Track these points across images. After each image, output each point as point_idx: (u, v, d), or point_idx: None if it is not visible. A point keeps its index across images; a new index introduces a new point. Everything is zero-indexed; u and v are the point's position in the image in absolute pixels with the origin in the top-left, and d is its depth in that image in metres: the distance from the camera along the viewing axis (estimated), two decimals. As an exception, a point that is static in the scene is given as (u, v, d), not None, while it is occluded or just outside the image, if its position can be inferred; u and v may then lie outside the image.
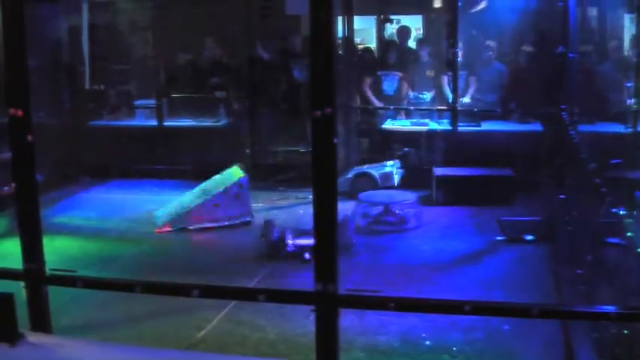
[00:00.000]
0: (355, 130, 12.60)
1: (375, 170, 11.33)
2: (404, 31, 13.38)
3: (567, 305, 6.04)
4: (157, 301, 6.54)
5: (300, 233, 8.49)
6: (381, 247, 8.86)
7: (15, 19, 4.03)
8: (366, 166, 11.50)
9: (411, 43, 13.57)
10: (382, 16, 14.07)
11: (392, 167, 11.39)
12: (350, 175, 11.19)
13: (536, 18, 11.51)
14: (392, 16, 14.91)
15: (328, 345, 3.79)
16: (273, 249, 8.46)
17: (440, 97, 12.21)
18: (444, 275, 7.85)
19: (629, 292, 4.85)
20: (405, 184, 11.38)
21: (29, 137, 4.10)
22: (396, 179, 11.34)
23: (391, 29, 14.85)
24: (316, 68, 3.62)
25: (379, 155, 12.02)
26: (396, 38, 13.57)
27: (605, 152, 8.88)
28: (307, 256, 8.05)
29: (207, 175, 10.66)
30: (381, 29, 14.80)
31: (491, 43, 12.05)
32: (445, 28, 12.16)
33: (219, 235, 9.55)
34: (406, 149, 12.12)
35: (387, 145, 12.31)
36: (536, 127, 11.27)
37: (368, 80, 12.48)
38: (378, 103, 12.51)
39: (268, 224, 8.70)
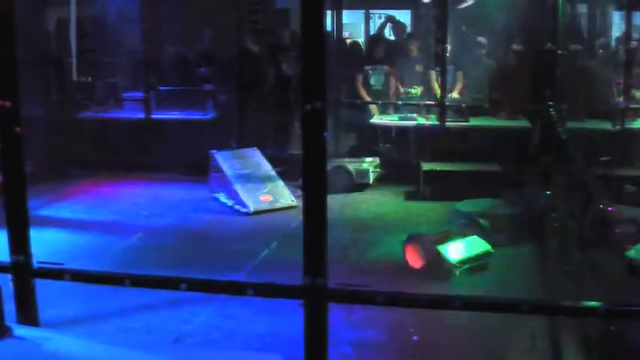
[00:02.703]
0: (343, 125, 12.57)
1: (352, 165, 11.32)
2: (399, 27, 13.38)
3: (555, 301, 6.06)
4: (146, 295, 6.57)
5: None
6: (369, 241, 8.85)
7: (4, 9, 4.00)
8: (345, 160, 11.46)
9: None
10: (386, 16, 14.01)
11: (369, 164, 11.37)
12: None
13: (526, 14, 11.51)
14: (381, 11, 14.90)
15: (317, 339, 3.80)
16: None
17: (428, 92, 12.19)
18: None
19: (616, 288, 4.88)
20: (391, 178, 11.40)
21: (17, 129, 4.08)
22: (372, 177, 11.32)
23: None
24: (307, 62, 3.61)
25: (363, 150, 12.02)
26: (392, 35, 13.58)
27: (593, 149, 8.93)
28: None
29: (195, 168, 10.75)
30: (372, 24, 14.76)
31: (481, 39, 12.04)
32: (434, 23, 12.16)
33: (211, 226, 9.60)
34: (387, 145, 12.10)
35: (373, 139, 12.31)
36: (524, 123, 11.27)
37: (360, 77, 12.43)
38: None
39: None
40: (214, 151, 10.88)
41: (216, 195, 10.64)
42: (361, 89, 12.35)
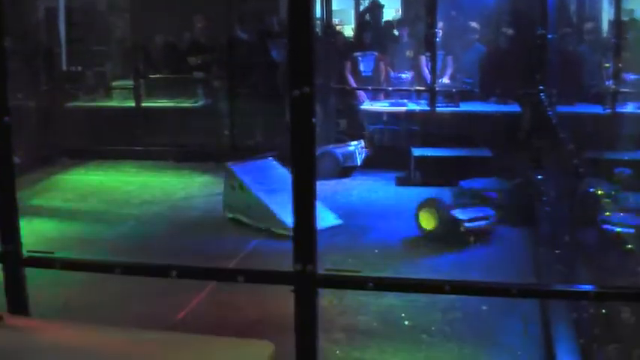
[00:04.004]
0: (333, 111, 12.55)
1: (338, 149, 11.30)
2: (376, 10, 13.35)
3: (546, 285, 6.07)
4: (136, 283, 6.55)
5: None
6: (361, 226, 8.85)
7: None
8: (331, 146, 11.44)
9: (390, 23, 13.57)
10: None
11: (355, 147, 11.36)
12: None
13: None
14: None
15: (308, 325, 3.79)
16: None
17: (418, 77, 12.17)
18: (423, 255, 7.88)
19: (606, 271, 4.89)
20: (382, 164, 11.39)
21: (6, 118, 4.06)
22: (360, 158, 11.32)
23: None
24: (294, 47, 3.59)
25: (351, 135, 12.00)
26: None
27: (583, 133, 8.94)
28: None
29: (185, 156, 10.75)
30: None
31: (474, 24, 12.00)
32: (424, 8, 12.13)
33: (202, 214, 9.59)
34: (371, 128, 12.09)
35: (364, 125, 12.30)
36: (514, 108, 11.27)
37: (348, 64, 12.40)
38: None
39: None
40: (230, 163, 9.52)
41: None
42: (349, 77, 12.33)
